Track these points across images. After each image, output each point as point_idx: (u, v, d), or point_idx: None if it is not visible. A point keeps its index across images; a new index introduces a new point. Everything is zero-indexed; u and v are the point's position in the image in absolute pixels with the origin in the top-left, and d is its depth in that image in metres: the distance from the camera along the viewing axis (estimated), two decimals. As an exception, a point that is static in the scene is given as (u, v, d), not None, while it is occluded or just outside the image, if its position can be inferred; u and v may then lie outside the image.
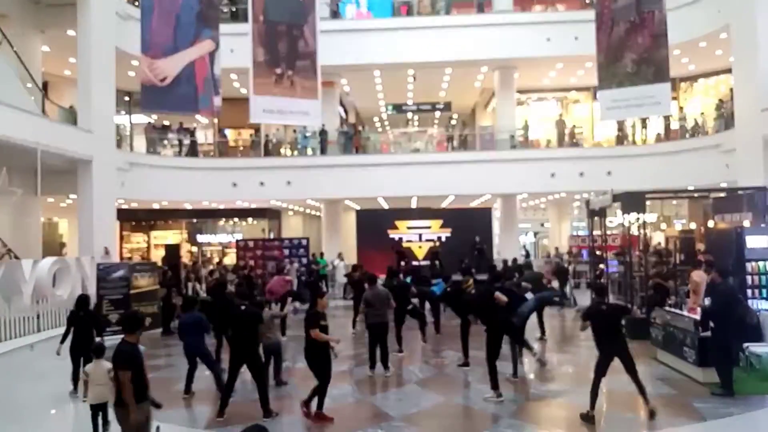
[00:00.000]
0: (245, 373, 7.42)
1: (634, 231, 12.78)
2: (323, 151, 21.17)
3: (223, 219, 27.30)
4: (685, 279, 12.00)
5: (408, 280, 13.60)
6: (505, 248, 21.93)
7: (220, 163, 21.17)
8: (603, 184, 17.51)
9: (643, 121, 20.20)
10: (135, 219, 25.50)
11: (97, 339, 8.05)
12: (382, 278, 17.57)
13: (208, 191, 20.73)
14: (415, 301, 12.11)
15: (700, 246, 14.07)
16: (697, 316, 8.47)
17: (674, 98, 21.35)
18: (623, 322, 6.88)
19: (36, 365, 10.53)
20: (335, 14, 21.64)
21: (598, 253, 15.16)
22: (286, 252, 20.43)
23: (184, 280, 16.05)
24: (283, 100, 16.85)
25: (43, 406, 8.29)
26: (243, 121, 20.86)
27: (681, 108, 21.94)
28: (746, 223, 11.75)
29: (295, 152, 22.11)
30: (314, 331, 6.84)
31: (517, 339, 8.28)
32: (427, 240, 21.77)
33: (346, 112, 28.67)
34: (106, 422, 6.55)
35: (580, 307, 13.79)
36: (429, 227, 21.89)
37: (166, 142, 21.46)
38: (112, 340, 8.53)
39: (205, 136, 23.56)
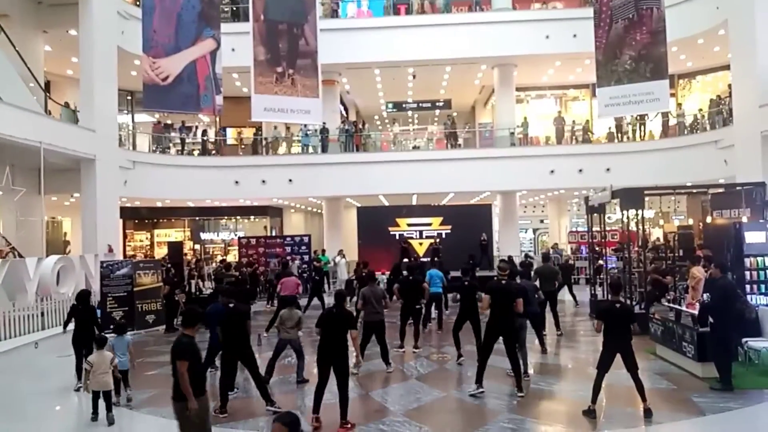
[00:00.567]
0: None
1: (633, 227, 12.86)
2: (324, 149, 21.26)
3: (226, 217, 27.41)
4: (683, 274, 12.09)
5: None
6: (505, 245, 22.04)
7: (222, 161, 21.26)
8: (602, 180, 17.59)
9: (641, 117, 20.25)
10: (138, 217, 25.65)
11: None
12: (378, 275, 17.75)
13: (211, 189, 20.85)
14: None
15: (700, 242, 14.14)
16: (696, 311, 8.56)
17: (672, 95, 21.42)
18: (635, 322, 6.96)
19: (40, 362, 10.62)
20: (335, 13, 21.70)
21: (597, 249, 15.25)
22: (288, 249, 20.54)
23: (186, 277, 16.16)
24: (284, 99, 16.96)
25: (48, 402, 8.37)
26: (244, 120, 20.96)
27: (679, 104, 22.00)
28: (744, 219, 11.84)
29: (291, 149, 22.21)
30: (353, 332, 6.80)
31: (510, 345, 7.84)
32: (428, 237, 21.90)
33: (346, 110, 28.76)
34: (109, 409, 7.02)
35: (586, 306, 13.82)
36: (429, 224, 22.00)
37: (170, 140, 21.53)
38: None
39: (207, 135, 23.64)
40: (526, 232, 37.93)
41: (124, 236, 24.94)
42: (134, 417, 7.44)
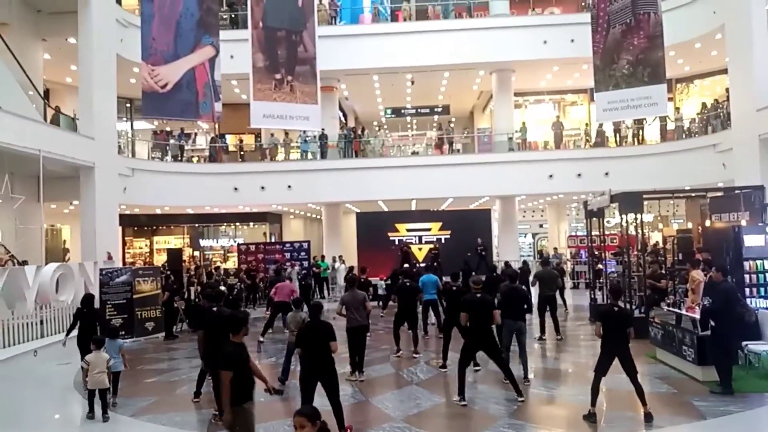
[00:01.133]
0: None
1: (632, 231, 12.87)
2: (323, 156, 21.29)
3: (225, 223, 27.41)
4: (683, 278, 12.09)
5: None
6: (504, 249, 22.05)
7: (221, 168, 21.28)
8: (601, 184, 17.61)
9: (639, 122, 20.31)
10: (137, 224, 25.65)
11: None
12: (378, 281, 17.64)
13: (210, 196, 20.86)
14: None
15: (699, 245, 14.15)
16: (696, 315, 8.55)
17: (670, 99, 21.48)
18: (631, 327, 6.96)
19: (40, 370, 10.60)
20: (333, 20, 21.81)
21: (596, 253, 15.25)
22: (288, 255, 20.54)
23: (186, 284, 16.14)
24: (282, 106, 16.99)
25: (47, 411, 8.35)
26: (243, 127, 21.02)
27: (677, 108, 22.07)
28: (743, 222, 11.85)
29: (290, 155, 22.26)
30: (334, 343, 6.45)
31: (495, 356, 7.79)
32: (427, 242, 21.91)
33: (345, 116, 28.83)
34: (105, 408, 7.43)
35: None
36: (429, 229, 22.02)
37: (170, 147, 21.56)
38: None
39: (205, 141, 23.72)
40: (525, 236, 37.92)
41: (124, 243, 24.93)
42: (134, 425, 7.41)
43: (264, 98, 16.79)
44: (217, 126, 23.09)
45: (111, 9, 17.33)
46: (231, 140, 23.88)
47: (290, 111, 17.14)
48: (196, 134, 23.14)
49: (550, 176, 20.32)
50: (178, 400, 8.31)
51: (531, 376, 8.76)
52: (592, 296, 14.49)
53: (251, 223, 27.54)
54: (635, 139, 20.99)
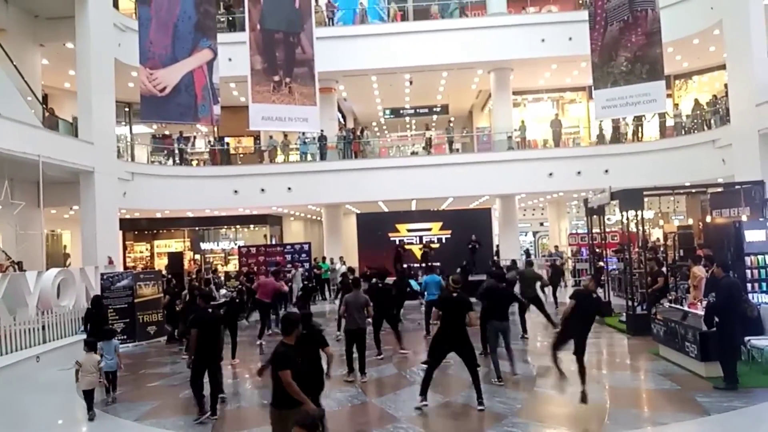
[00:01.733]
0: (250, 377, 7.48)
1: (633, 228, 12.87)
2: (323, 157, 21.29)
3: (225, 226, 27.40)
4: (684, 274, 12.09)
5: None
6: (505, 248, 22.03)
7: (221, 170, 21.27)
8: (600, 182, 17.60)
9: (638, 119, 20.31)
10: (137, 228, 25.63)
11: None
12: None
13: (210, 199, 20.85)
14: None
15: (700, 241, 14.15)
16: (698, 311, 8.54)
17: (669, 95, 21.49)
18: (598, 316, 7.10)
19: (42, 376, 10.59)
20: (330, 21, 21.81)
21: (597, 250, 15.24)
22: (288, 257, 20.53)
23: (187, 287, 16.11)
24: (281, 107, 16.99)
25: (50, 416, 8.35)
26: (242, 129, 21.00)
27: (676, 105, 22.06)
28: (744, 218, 11.85)
29: (290, 157, 22.25)
30: (328, 349, 6.40)
31: (467, 358, 7.49)
32: (428, 241, 21.85)
33: (344, 117, 28.83)
34: (90, 408, 7.73)
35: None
36: (429, 229, 21.95)
37: (172, 151, 21.57)
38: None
39: (205, 144, 23.71)
40: (526, 235, 37.94)
41: (124, 248, 24.92)
42: (138, 429, 7.41)
43: (263, 100, 16.79)
44: (216, 129, 23.09)
45: (108, 13, 17.33)
46: (232, 143, 23.87)
47: (289, 113, 17.14)
48: (195, 137, 23.12)
49: (550, 174, 20.32)
50: (182, 404, 8.30)
51: (535, 371, 8.77)
52: (593, 284, 14.44)
53: (252, 226, 27.53)
54: (635, 136, 20.98)
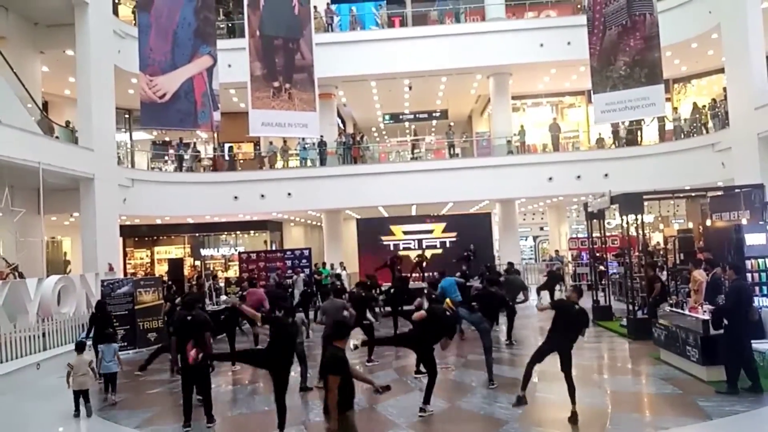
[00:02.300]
0: (254, 384, 7.45)
1: (633, 232, 12.86)
2: (323, 162, 21.32)
3: (225, 232, 27.40)
4: (685, 278, 12.07)
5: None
6: (505, 253, 22.00)
7: (221, 177, 21.30)
8: (600, 186, 17.62)
9: (638, 122, 20.34)
10: (138, 235, 25.64)
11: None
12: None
13: (210, 205, 20.86)
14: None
15: (700, 245, 14.14)
16: (700, 315, 8.51)
17: (668, 99, 21.53)
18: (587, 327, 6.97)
19: (42, 383, 10.57)
20: (329, 27, 21.89)
21: (598, 255, 15.23)
22: (289, 263, 20.49)
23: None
24: (281, 113, 17.05)
25: (50, 424, 8.33)
26: (242, 135, 21.03)
27: (675, 109, 22.10)
28: (744, 221, 11.85)
29: (290, 163, 22.27)
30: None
31: (426, 360, 7.67)
32: (428, 246, 21.72)
33: (343, 122, 28.89)
34: (87, 403, 8.18)
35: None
36: (431, 231, 21.75)
37: (166, 157, 21.60)
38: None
39: (205, 150, 23.73)
40: (526, 239, 37.93)
41: (125, 254, 24.91)
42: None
43: (262, 106, 16.85)
44: (216, 135, 23.14)
45: (108, 20, 17.39)
46: (233, 148, 23.89)
47: (289, 118, 17.20)
48: (195, 143, 23.15)
49: (550, 179, 20.33)
50: (182, 411, 8.25)
51: (536, 377, 8.70)
52: (595, 297, 14.46)
53: (252, 232, 27.53)
54: (635, 138, 20.98)
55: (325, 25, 21.51)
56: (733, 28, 16.37)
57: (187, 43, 15.99)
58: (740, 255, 10.20)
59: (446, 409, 7.74)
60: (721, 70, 18.68)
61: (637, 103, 16.49)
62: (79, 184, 16.32)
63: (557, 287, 16.15)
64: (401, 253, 20.43)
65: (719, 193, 14.21)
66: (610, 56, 16.89)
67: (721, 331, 7.86)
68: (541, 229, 36.54)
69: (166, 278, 18.31)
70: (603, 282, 14.85)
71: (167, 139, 22.23)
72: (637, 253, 13.61)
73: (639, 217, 12.39)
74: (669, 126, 20.50)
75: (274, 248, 26.24)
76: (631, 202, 12.10)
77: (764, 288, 10.08)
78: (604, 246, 15.06)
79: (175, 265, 20.51)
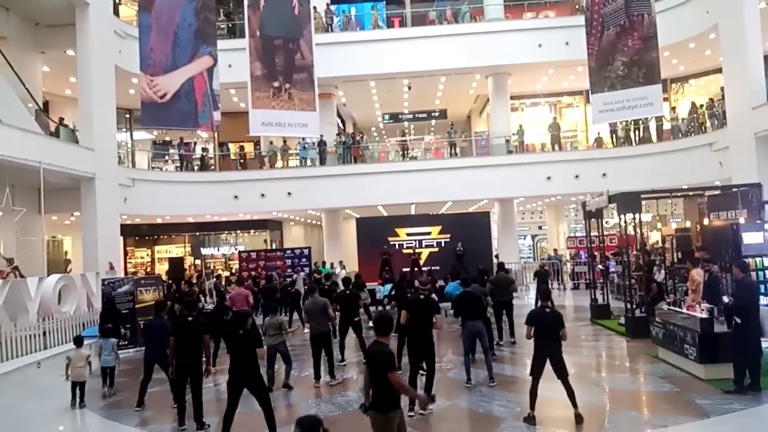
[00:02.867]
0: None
1: (631, 231, 12.93)
2: (322, 162, 21.37)
3: (226, 231, 27.46)
4: (683, 277, 12.13)
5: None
6: (504, 251, 22.06)
7: (221, 176, 21.35)
8: (598, 185, 17.69)
9: (636, 122, 20.41)
10: (138, 234, 25.69)
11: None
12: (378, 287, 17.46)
13: (210, 204, 20.92)
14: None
15: (698, 244, 14.21)
16: (698, 314, 8.55)
17: (665, 99, 21.59)
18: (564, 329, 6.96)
19: (43, 382, 10.61)
20: (329, 27, 21.94)
21: (597, 254, 15.30)
22: (288, 262, 20.56)
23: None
24: (281, 113, 17.09)
25: (51, 422, 8.37)
26: (243, 135, 21.08)
27: (673, 108, 22.17)
28: (742, 220, 11.91)
29: (290, 162, 22.32)
30: (260, 350, 6.78)
31: (427, 364, 7.62)
32: (427, 245, 21.81)
33: (343, 122, 28.95)
34: (82, 397, 8.62)
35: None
36: (429, 233, 21.90)
37: (167, 157, 21.65)
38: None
39: (209, 151, 23.76)
40: (525, 238, 38.00)
41: (125, 253, 24.96)
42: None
43: (262, 106, 16.88)
44: (216, 135, 23.18)
45: (109, 21, 17.43)
46: (233, 148, 23.94)
47: (289, 118, 17.24)
48: (195, 143, 23.20)
49: (548, 178, 20.41)
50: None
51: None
52: (593, 296, 14.53)
53: (252, 231, 27.58)
54: (634, 136, 21.04)
55: (324, 26, 21.55)
56: (730, 28, 16.44)
57: (188, 43, 16.03)
58: (738, 254, 10.25)
59: (444, 408, 7.79)
60: (719, 70, 18.76)
61: (635, 103, 16.56)
62: (80, 184, 16.36)
63: (556, 284, 16.20)
64: (404, 251, 20.63)
65: (717, 192, 14.26)
66: (608, 56, 16.94)
67: (724, 329, 7.86)
68: (540, 228, 36.63)
69: (166, 277, 18.35)
70: (601, 281, 14.90)
71: (168, 138, 22.26)
72: (635, 252, 13.67)
73: (637, 216, 12.46)
74: (667, 125, 20.58)
75: (274, 247, 26.30)
76: (629, 201, 12.16)
77: (762, 287, 10.11)
78: (602, 245, 15.13)
79: (176, 264, 20.55)
